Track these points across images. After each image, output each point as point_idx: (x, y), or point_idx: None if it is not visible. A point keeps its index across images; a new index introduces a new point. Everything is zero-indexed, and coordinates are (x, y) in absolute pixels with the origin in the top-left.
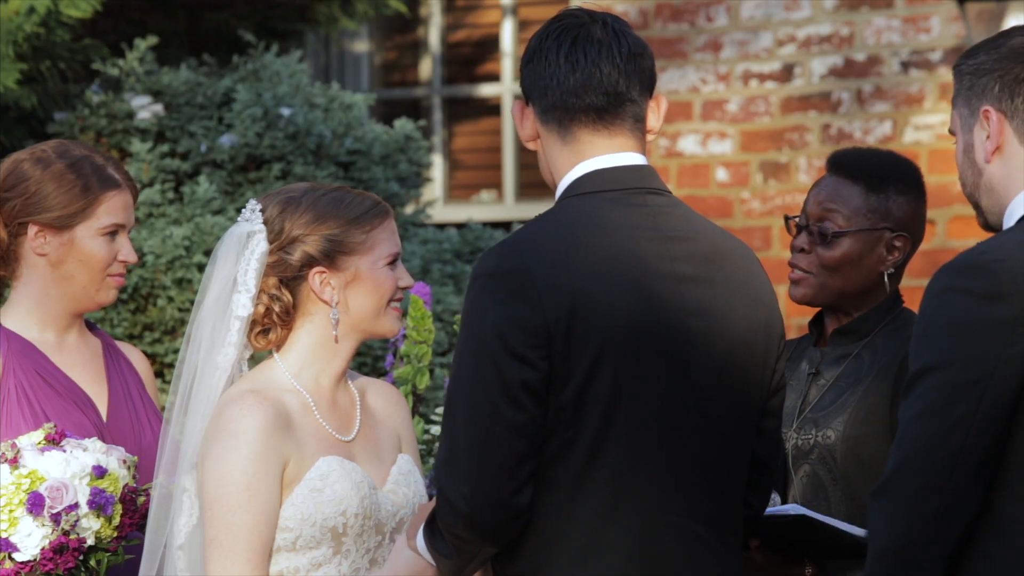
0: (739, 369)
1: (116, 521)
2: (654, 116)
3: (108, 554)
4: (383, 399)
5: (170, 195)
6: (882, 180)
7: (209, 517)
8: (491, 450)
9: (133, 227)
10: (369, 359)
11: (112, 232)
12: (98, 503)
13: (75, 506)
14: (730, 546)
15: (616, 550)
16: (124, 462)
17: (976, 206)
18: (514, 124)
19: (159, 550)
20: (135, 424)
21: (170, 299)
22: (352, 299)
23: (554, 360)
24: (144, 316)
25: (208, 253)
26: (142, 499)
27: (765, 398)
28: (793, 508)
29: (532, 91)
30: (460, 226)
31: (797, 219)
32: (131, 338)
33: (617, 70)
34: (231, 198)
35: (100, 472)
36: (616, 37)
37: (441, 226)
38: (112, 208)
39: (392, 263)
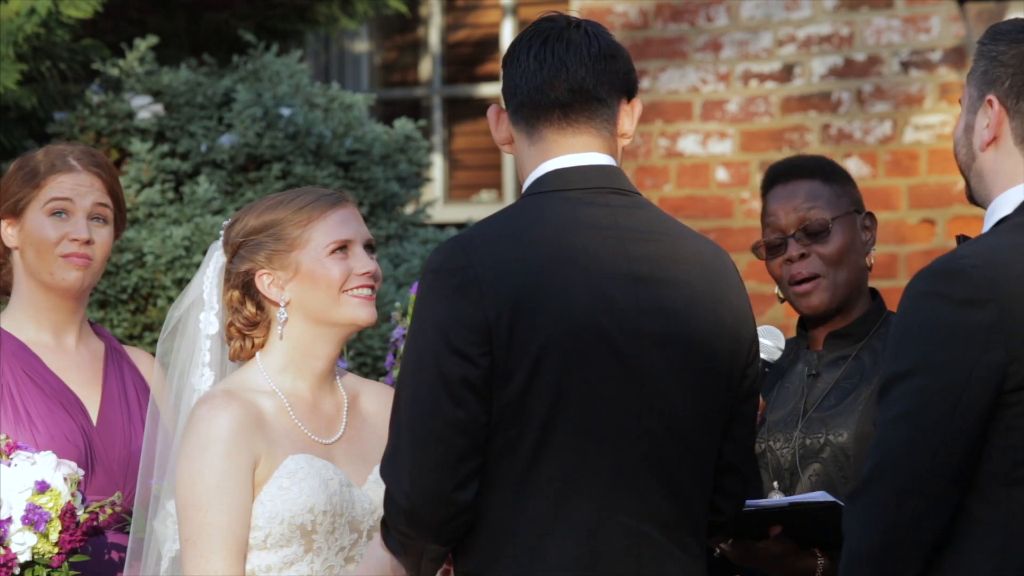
0: (700, 372)
1: (54, 537)
2: (628, 120)
3: (48, 569)
4: (377, 401)
5: (170, 195)
6: (829, 171)
7: (183, 517)
8: (431, 446)
9: (103, 216)
10: (369, 359)
11: (59, 212)
12: (31, 520)
13: (8, 521)
14: (689, 549)
15: (562, 549)
16: (66, 479)
17: (966, 180)
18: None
19: (141, 551)
20: (127, 428)
21: (170, 299)
22: (300, 295)
23: (496, 357)
24: (144, 316)
25: None
26: (84, 516)
27: (733, 403)
28: (820, 495)
29: (506, 93)
30: (460, 226)
31: (771, 239)
32: (131, 338)
33: (585, 68)
34: (231, 198)
35: (42, 487)
36: (588, 38)
37: (441, 226)
38: (58, 187)
39: (340, 250)
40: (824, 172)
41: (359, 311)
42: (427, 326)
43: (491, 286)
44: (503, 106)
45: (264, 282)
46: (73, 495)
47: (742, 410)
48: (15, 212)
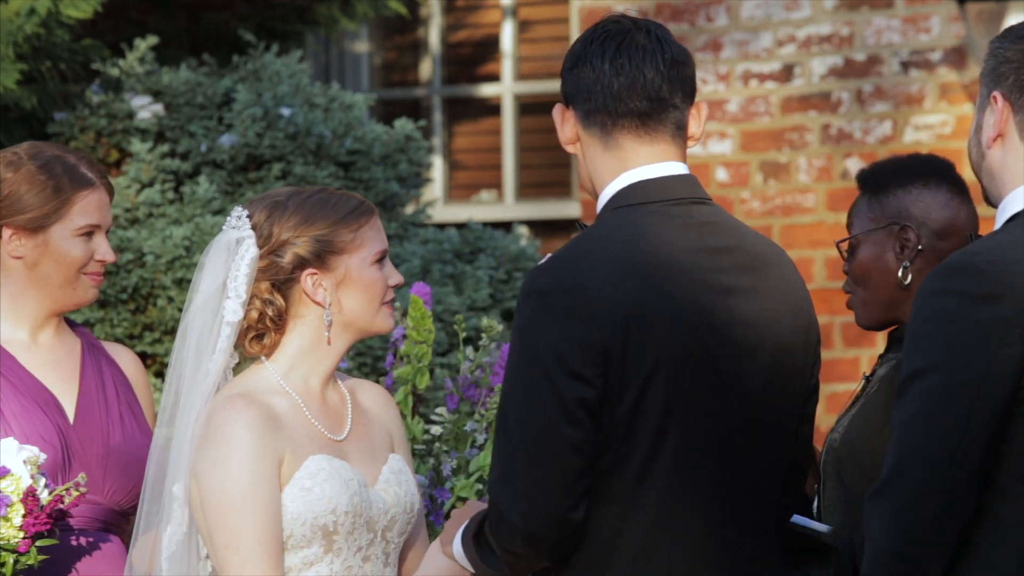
0: (782, 377)
1: (17, 521)
2: (695, 123)
3: (16, 555)
4: (372, 399)
5: (170, 195)
6: (884, 182)
7: (217, 525)
8: (548, 467)
9: (111, 226)
10: (369, 359)
11: (88, 232)
12: None
13: None
14: (773, 550)
15: (667, 564)
16: (26, 462)
17: (980, 181)
18: (555, 127)
19: (146, 555)
20: (105, 425)
21: (170, 299)
22: (344, 299)
23: (610, 377)
24: (144, 316)
25: None
26: (48, 499)
27: (803, 403)
28: (821, 527)
29: (575, 95)
30: (460, 226)
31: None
32: (131, 338)
33: (660, 76)
34: (231, 198)
35: (2, 472)
36: (659, 44)
37: (441, 226)
38: (86, 208)
39: (380, 261)
40: (875, 186)
41: (389, 322)
42: (540, 349)
43: (602, 306)
44: (565, 104)
45: (309, 282)
46: (34, 477)
47: (808, 408)
48: (32, 228)
